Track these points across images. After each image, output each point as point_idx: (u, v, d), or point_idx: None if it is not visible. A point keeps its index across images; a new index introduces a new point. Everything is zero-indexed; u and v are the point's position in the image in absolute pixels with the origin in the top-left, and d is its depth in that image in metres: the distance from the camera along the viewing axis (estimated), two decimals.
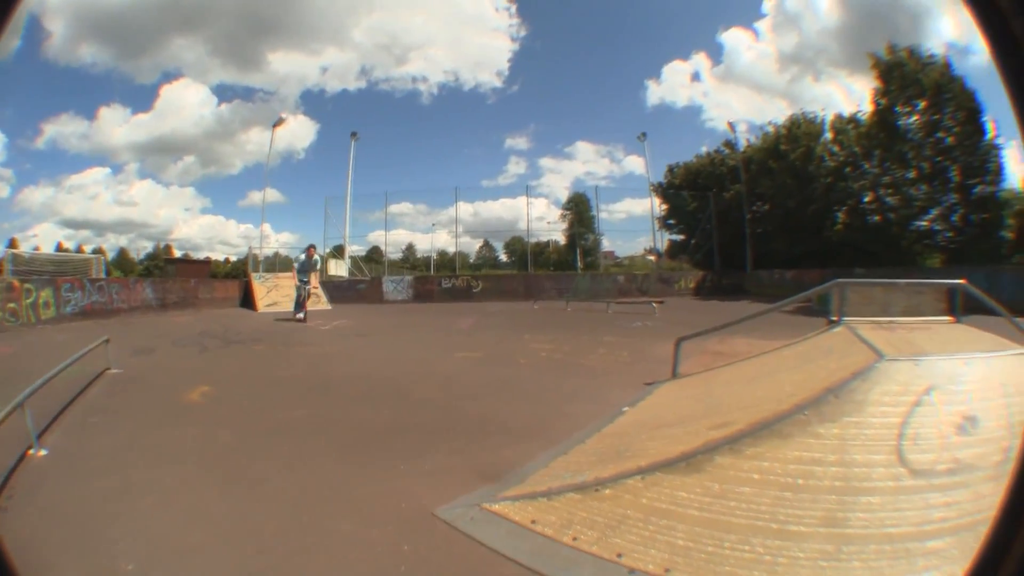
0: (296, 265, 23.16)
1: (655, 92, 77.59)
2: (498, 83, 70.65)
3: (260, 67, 72.08)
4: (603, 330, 17.51)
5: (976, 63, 46.09)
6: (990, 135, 32.82)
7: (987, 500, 3.44)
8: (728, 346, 11.30)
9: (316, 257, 22.83)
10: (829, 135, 41.25)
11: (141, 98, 75.06)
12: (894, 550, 3.32)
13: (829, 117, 42.03)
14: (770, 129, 43.87)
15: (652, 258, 49.12)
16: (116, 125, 62.04)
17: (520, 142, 78.33)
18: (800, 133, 40.81)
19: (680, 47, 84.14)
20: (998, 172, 33.13)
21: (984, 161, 32.79)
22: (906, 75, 34.47)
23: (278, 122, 44.16)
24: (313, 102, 66.21)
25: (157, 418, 7.08)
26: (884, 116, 36.02)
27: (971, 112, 32.95)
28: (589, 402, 7.70)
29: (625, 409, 6.98)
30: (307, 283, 22.11)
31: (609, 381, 9.30)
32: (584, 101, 74.36)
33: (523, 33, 69.56)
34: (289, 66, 69.40)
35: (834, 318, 7.79)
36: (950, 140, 33.51)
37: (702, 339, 10.09)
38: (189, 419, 7.04)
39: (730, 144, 47.12)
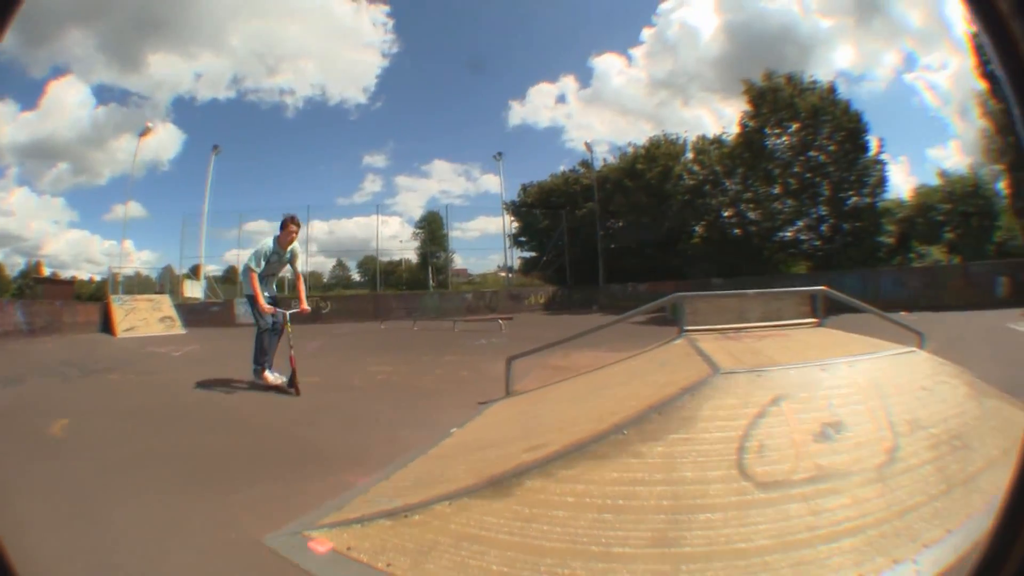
0: (255, 264, 10.22)
1: (518, 112, 78.13)
2: (363, 99, 69.92)
3: (139, 68, 67.87)
4: (446, 349, 17.60)
5: (871, 89, 52.72)
6: (873, 152, 36.90)
7: (871, 503, 3.63)
8: (571, 360, 11.10)
9: (295, 245, 10.65)
10: (690, 155, 44.12)
11: (30, 94, 70.18)
12: (749, 565, 3.28)
13: (692, 139, 45.05)
14: (629, 150, 46.32)
15: (503, 275, 50.23)
16: (5, 123, 57.33)
17: (378, 159, 77.80)
18: (659, 153, 43.41)
19: (548, 70, 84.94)
20: (880, 184, 37.23)
21: (862, 175, 36.69)
22: (779, 99, 37.87)
23: (145, 131, 42.97)
24: (183, 110, 62.98)
25: (28, 453, 7.06)
26: (751, 137, 39.23)
27: (852, 132, 36.89)
28: (421, 425, 7.57)
29: (453, 431, 6.79)
30: (278, 303, 10.55)
31: (444, 402, 9.07)
32: (445, 119, 73.51)
33: (395, 50, 68.74)
34: (166, 69, 65.97)
35: (684, 331, 7.79)
36: (823, 158, 37.20)
37: (546, 354, 9.94)
38: (52, 453, 7.01)
39: (587, 164, 49.25)
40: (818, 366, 4.96)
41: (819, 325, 8.53)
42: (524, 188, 51.86)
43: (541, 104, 74.28)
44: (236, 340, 21.21)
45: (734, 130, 41.57)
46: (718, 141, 42.99)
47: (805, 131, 37.62)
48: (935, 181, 39.34)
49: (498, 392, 8.87)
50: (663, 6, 75.40)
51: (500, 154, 50.38)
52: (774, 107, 38.00)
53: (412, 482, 5.01)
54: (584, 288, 42.97)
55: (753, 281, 30.98)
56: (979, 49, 29.89)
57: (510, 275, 49.49)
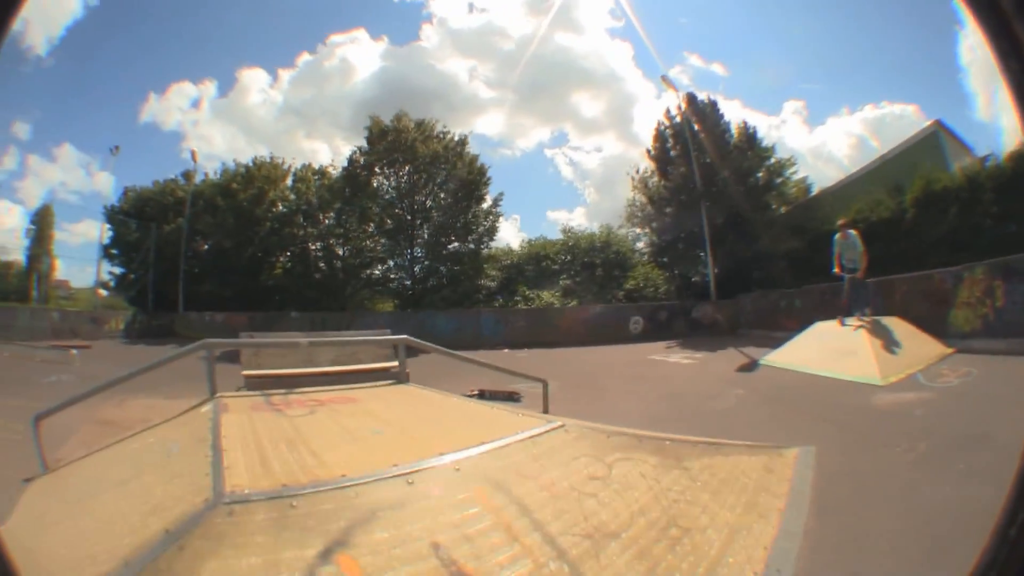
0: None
1: (151, 107, 73.42)
2: (43, 51, 65.55)
3: None
4: (15, 387, 15.58)
5: (505, 154, 65.10)
6: (488, 205, 42.45)
7: None
8: (125, 411, 10.12)
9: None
10: (291, 183, 45.51)
11: None
12: None
13: (298, 166, 46.09)
14: (235, 166, 46.07)
15: (100, 293, 47.88)
16: None
17: (23, 129, 71.10)
18: (259, 175, 43.88)
19: (194, 69, 79.83)
20: (488, 234, 42.29)
21: (471, 224, 41.46)
22: (400, 141, 40.71)
23: None
24: None
25: None
26: (354, 172, 41.75)
27: (470, 184, 41.36)
28: None
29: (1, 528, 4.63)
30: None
31: None
32: (92, 93, 65.99)
33: (96, 2, 63.36)
34: None
35: (216, 394, 6.67)
36: (429, 202, 41.47)
37: (96, 404, 8.72)
38: None
39: (190, 174, 47.74)
40: (402, 474, 3.67)
41: (400, 382, 7.98)
42: (126, 192, 48.31)
43: (176, 104, 70.90)
44: None
45: (342, 164, 44.39)
46: (321, 173, 45.24)
47: (418, 175, 41.49)
48: (556, 236, 45.37)
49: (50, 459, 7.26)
50: (334, 38, 75.99)
51: (117, 148, 48.02)
52: (392, 147, 41.16)
53: None
54: (165, 314, 41.45)
55: (334, 317, 34.11)
56: (659, 136, 37.63)
57: (106, 293, 47.72)
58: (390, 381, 8.04)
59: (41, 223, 50.89)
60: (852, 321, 16.51)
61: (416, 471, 3.64)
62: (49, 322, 36.46)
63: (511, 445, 4.32)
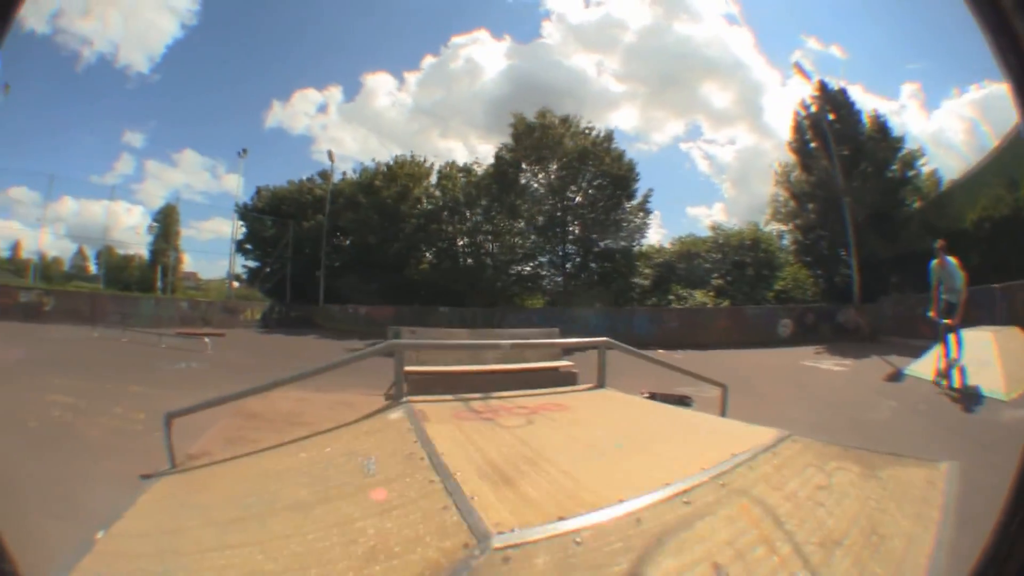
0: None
1: (277, 113, 79.42)
2: (144, 68, 64.35)
3: None
4: (138, 373, 15.88)
5: (641, 149, 64.66)
6: (638, 201, 42.02)
7: None
8: (271, 403, 9.17)
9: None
10: (435, 180, 46.45)
11: None
12: None
13: (439, 165, 47.19)
14: (375, 165, 48.01)
15: (233, 285, 49.72)
16: None
17: (135, 138, 70.98)
18: (402, 173, 45.35)
19: (318, 76, 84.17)
20: (640, 230, 42.24)
21: (621, 220, 41.36)
22: (548, 137, 41.30)
23: None
24: None
25: None
26: (503, 168, 42.22)
27: (620, 179, 41.22)
28: (55, 510, 5.42)
29: (100, 535, 3.92)
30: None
31: (104, 467, 6.99)
32: (210, 102, 70.77)
33: (195, 23, 64.68)
34: None
35: (404, 398, 5.83)
36: (579, 199, 41.74)
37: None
38: None
39: (326, 174, 50.23)
40: (678, 493, 3.45)
41: (600, 386, 7.45)
42: (259, 191, 51.76)
43: (302, 110, 74.67)
44: None
45: (488, 162, 45.03)
46: (467, 170, 46.03)
47: (566, 172, 41.80)
48: (704, 233, 44.41)
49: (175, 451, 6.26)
50: (455, 40, 77.92)
51: (245, 151, 49.95)
52: (539, 143, 41.74)
53: None
54: (303, 306, 44.05)
55: (483, 313, 35.22)
56: (798, 127, 37.16)
57: (238, 284, 49.85)
58: (590, 385, 7.59)
59: (166, 220, 52.35)
60: (955, 374, 13.66)
61: (689, 488, 3.45)
62: (177, 311, 38.23)
63: (758, 456, 4.26)
